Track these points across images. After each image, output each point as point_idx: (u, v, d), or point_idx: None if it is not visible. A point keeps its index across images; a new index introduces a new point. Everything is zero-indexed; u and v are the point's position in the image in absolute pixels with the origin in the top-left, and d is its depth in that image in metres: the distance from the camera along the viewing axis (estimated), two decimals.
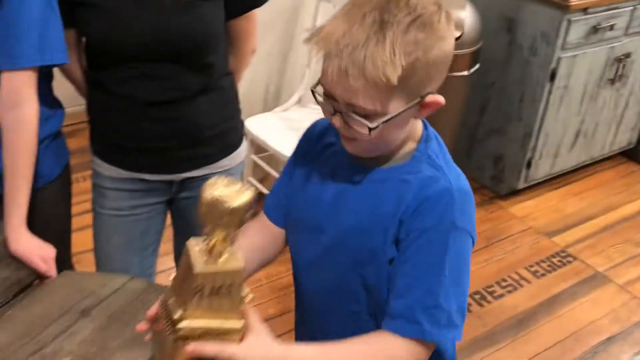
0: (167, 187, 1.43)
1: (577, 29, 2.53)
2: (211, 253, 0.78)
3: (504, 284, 2.43)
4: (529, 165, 2.82)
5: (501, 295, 2.36)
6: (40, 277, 1.16)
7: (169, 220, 1.56)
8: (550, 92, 2.63)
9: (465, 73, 2.45)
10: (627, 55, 2.81)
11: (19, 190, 1.18)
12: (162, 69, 1.27)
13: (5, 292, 1.11)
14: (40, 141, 1.23)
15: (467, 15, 2.41)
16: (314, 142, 1.01)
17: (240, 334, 0.81)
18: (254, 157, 2.54)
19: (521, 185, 2.88)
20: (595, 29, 2.59)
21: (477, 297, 2.34)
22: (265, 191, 2.57)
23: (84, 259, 1.65)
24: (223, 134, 1.42)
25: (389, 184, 0.89)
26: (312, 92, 0.87)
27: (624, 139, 3.18)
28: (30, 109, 1.16)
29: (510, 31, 2.67)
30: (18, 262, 1.16)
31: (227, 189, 0.77)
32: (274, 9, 2.31)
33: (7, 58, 1.13)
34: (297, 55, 2.54)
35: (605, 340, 2.19)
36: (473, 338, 2.14)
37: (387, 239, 0.88)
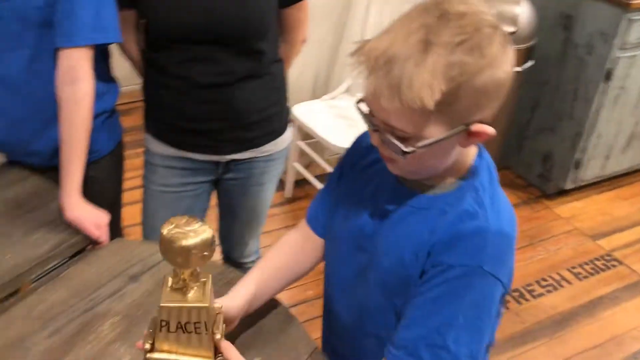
0: (213, 167, 1.48)
1: (638, 29, 2.46)
2: (180, 288, 0.79)
3: (544, 283, 2.40)
4: (578, 165, 2.77)
5: (540, 295, 2.34)
6: (93, 243, 1.24)
7: (214, 201, 1.61)
8: (604, 92, 2.57)
9: (518, 69, 2.42)
10: None
11: (74, 161, 1.24)
12: (214, 52, 1.31)
13: (61, 254, 1.19)
14: (95, 116, 1.29)
15: (522, 11, 2.38)
16: (362, 155, 0.97)
17: None
18: (301, 144, 2.58)
19: (569, 185, 2.83)
20: None
21: (515, 294, 2.32)
22: (310, 177, 2.61)
23: (133, 232, 1.73)
24: (268, 119, 1.45)
25: (428, 213, 0.85)
26: (356, 105, 0.83)
27: None
28: (86, 85, 1.22)
29: (567, 28, 2.61)
30: (74, 227, 1.24)
31: (180, 228, 0.75)
32: None
33: (64, 37, 1.19)
34: (348, 44, 2.56)
35: None
36: (509, 335, 2.14)
37: (418, 269, 0.84)
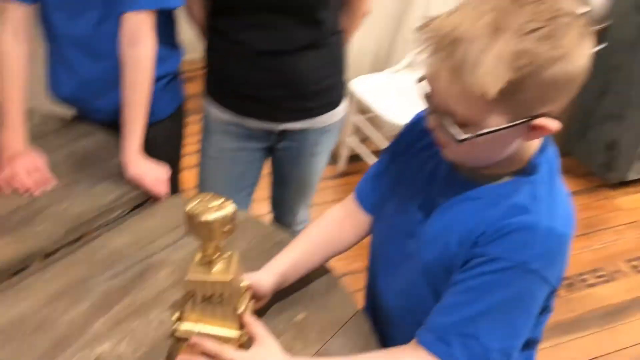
0: (267, 135, 1.51)
1: None
2: (205, 262, 0.82)
3: (598, 273, 2.34)
4: None
5: (593, 285, 2.29)
6: (153, 197, 1.29)
7: (266, 170, 1.64)
8: None
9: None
10: None
11: (135, 121, 1.29)
12: (276, 20, 1.33)
13: (123, 205, 1.25)
14: (157, 79, 1.33)
15: None
16: (417, 138, 0.95)
17: (237, 344, 0.84)
18: (357, 118, 2.57)
19: (632, 176, 2.73)
20: None
21: (566, 282, 2.28)
22: (364, 153, 2.62)
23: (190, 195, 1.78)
24: (326, 90, 1.46)
25: (479, 203, 0.83)
26: (417, 83, 0.80)
27: None
28: (147, 48, 1.26)
29: None
30: (134, 184, 1.29)
31: (203, 204, 0.77)
32: None
33: (128, 1, 1.23)
34: (412, 18, 2.52)
35: None
36: (557, 321, 2.10)
37: (461, 257, 0.82)
